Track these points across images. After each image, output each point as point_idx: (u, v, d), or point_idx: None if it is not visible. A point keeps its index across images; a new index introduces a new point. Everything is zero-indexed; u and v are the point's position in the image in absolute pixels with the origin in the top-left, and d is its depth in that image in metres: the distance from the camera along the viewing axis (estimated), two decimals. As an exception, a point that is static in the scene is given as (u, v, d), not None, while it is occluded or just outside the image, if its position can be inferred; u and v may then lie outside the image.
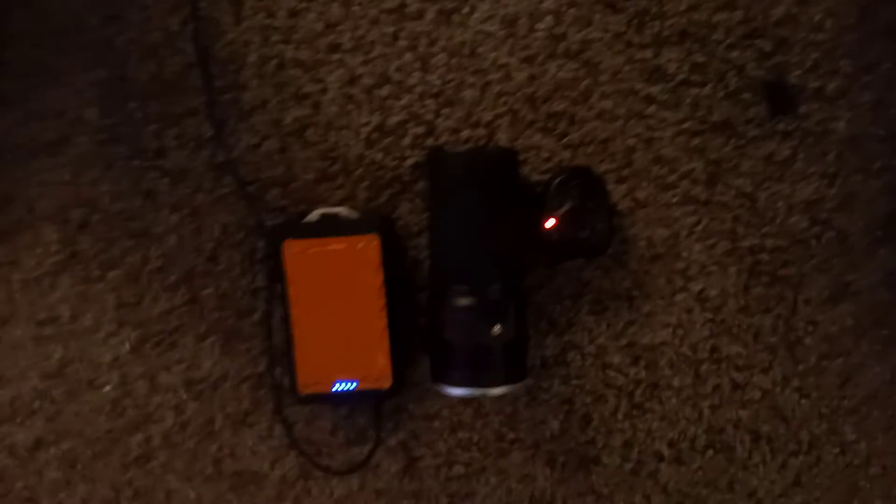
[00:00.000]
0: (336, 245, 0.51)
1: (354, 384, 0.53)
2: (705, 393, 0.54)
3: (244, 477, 0.57)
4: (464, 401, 0.56)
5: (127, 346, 0.56)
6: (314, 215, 0.52)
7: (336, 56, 0.52)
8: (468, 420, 0.56)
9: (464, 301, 0.48)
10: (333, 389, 0.53)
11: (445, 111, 0.52)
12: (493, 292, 0.47)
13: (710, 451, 0.55)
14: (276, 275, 0.53)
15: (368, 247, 0.51)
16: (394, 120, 0.52)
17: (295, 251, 0.51)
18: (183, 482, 0.57)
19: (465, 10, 0.51)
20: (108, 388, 0.57)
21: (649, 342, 0.54)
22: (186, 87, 0.52)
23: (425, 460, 0.57)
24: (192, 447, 0.57)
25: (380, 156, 0.53)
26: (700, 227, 0.52)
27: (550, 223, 0.49)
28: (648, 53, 0.50)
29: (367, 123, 0.52)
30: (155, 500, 0.57)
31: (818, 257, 0.52)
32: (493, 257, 0.48)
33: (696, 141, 0.51)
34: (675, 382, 0.55)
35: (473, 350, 0.48)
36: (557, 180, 0.49)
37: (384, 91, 0.52)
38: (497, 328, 0.47)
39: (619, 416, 0.55)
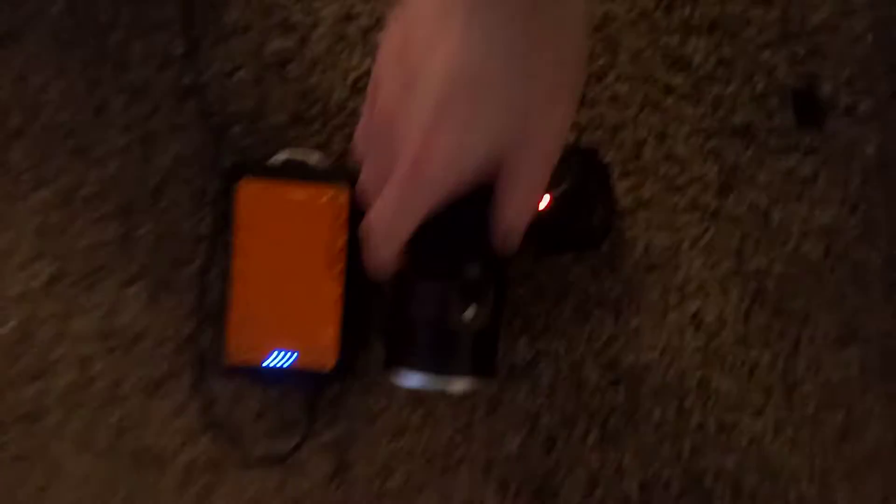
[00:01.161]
0: (299, 193, 0.45)
1: (293, 357, 0.46)
2: (688, 431, 0.48)
3: (145, 457, 0.49)
4: (415, 400, 0.49)
5: (41, 279, 0.49)
6: (280, 157, 0.47)
7: (335, -11, 0.47)
8: (416, 425, 0.49)
9: (437, 276, 0.42)
10: (267, 361, 0.46)
11: (445, 69, 0.48)
12: (471, 270, 0.41)
13: (685, 500, 0.48)
14: (225, 222, 0.47)
15: (336, 200, 0.46)
16: (386, 69, 0.48)
17: (250, 192, 0.46)
18: (73, 452, 0.49)
19: (483, -37, 0.47)
20: (9, 325, 0.49)
21: (633, 363, 0.48)
22: (163, -2, 0.48)
23: (359, 466, 0.49)
24: (91, 411, 0.49)
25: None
26: (705, 240, 0.48)
27: (544, 202, 0.44)
28: (675, 40, 0.47)
29: (356, 67, 0.48)
30: (35, 467, 0.49)
31: (829, 292, 0.47)
32: (477, 231, 0.42)
33: (713, 143, 0.47)
34: (656, 414, 0.49)
35: (439, 333, 0.41)
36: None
37: (381, 35, 0.48)
38: (471, 311, 0.41)
39: (588, 444, 0.49)
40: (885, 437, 0.48)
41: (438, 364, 0.40)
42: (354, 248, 0.47)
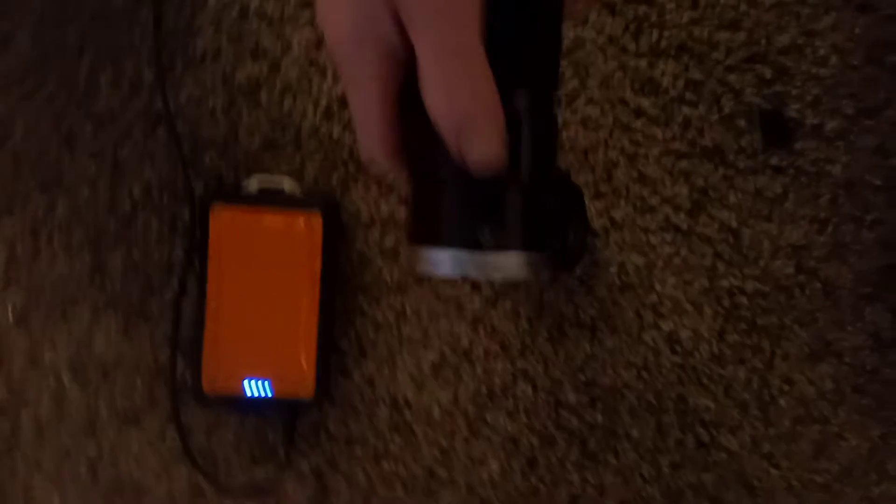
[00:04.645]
0: (272, 219, 0.47)
1: (270, 385, 0.47)
2: (666, 448, 0.50)
3: (122, 486, 0.50)
4: (395, 426, 0.50)
5: (10, 311, 0.50)
6: (252, 183, 0.48)
7: (307, 14, 0.49)
8: (396, 450, 0.51)
9: None
10: (243, 388, 0.47)
11: (417, 93, 0.49)
12: (518, 99, 0.27)
13: (665, 517, 0.50)
14: (198, 249, 0.48)
15: (310, 227, 0.47)
16: (359, 95, 0.49)
17: (223, 219, 0.47)
18: (48, 483, 0.50)
19: (454, -12, 0.49)
20: (-23, 358, 0.50)
21: (610, 383, 0.50)
22: (134, 23, 0.49)
23: (340, 493, 0.51)
24: (66, 443, 0.50)
25: (337, 130, 0.49)
26: (678, 259, 0.49)
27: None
28: (643, 63, 0.49)
29: (328, 93, 0.49)
30: (10, 499, 0.50)
31: (801, 309, 0.49)
32: (530, 46, 0.28)
33: (683, 164, 0.49)
34: (635, 433, 0.50)
35: (475, 190, 0.28)
36: (530, 181, 0.46)
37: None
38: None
39: (569, 464, 0.50)
40: (860, 449, 0.50)
41: (472, 233, 0.28)
42: (329, 274, 0.48)
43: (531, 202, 0.29)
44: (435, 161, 0.27)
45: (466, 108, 0.25)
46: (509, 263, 0.28)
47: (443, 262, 0.28)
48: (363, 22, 0.24)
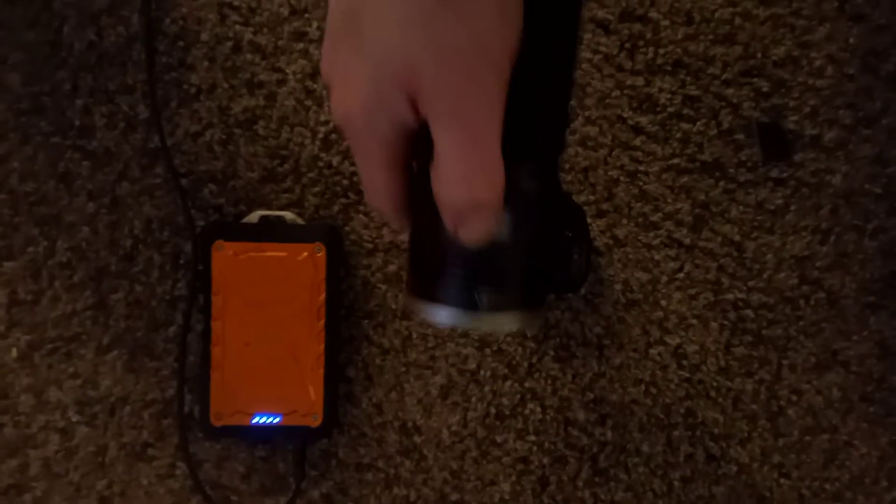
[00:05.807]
0: (275, 252, 0.47)
1: (278, 418, 0.48)
2: (677, 462, 0.50)
3: (134, 523, 0.50)
4: (405, 450, 0.51)
5: (14, 352, 0.50)
6: (253, 217, 0.48)
7: (300, 45, 0.49)
8: (406, 474, 0.51)
9: None
10: (252, 422, 0.48)
11: (415, 119, 0.49)
12: (522, 173, 0.29)
13: (678, 532, 0.50)
14: (202, 283, 0.48)
15: (312, 258, 0.47)
16: (356, 122, 0.49)
17: (226, 254, 0.47)
18: (58, 523, 0.50)
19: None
20: (-17, 400, 0.50)
21: (619, 399, 0.50)
22: (126, 62, 0.49)
23: (352, 519, 0.51)
24: (76, 481, 0.50)
25: (336, 160, 0.49)
26: (682, 274, 0.50)
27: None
28: (640, 81, 0.49)
29: (326, 122, 0.49)
30: (20, 542, 0.50)
31: (806, 319, 0.50)
32: (541, 121, 0.29)
33: (684, 179, 0.49)
34: (645, 448, 0.50)
35: (474, 255, 0.29)
36: (532, 204, 0.46)
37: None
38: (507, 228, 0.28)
39: (580, 482, 0.51)
40: (870, 457, 0.50)
41: (470, 296, 0.29)
42: (334, 303, 0.48)
43: (529, 266, 0.30)
44: (436, 222, 0.28)
45: (475, 199, 0.26)
46: (504, 322, 0.30)
47: (440, 315, 0.30)
48: (376, 101, 0.25)
